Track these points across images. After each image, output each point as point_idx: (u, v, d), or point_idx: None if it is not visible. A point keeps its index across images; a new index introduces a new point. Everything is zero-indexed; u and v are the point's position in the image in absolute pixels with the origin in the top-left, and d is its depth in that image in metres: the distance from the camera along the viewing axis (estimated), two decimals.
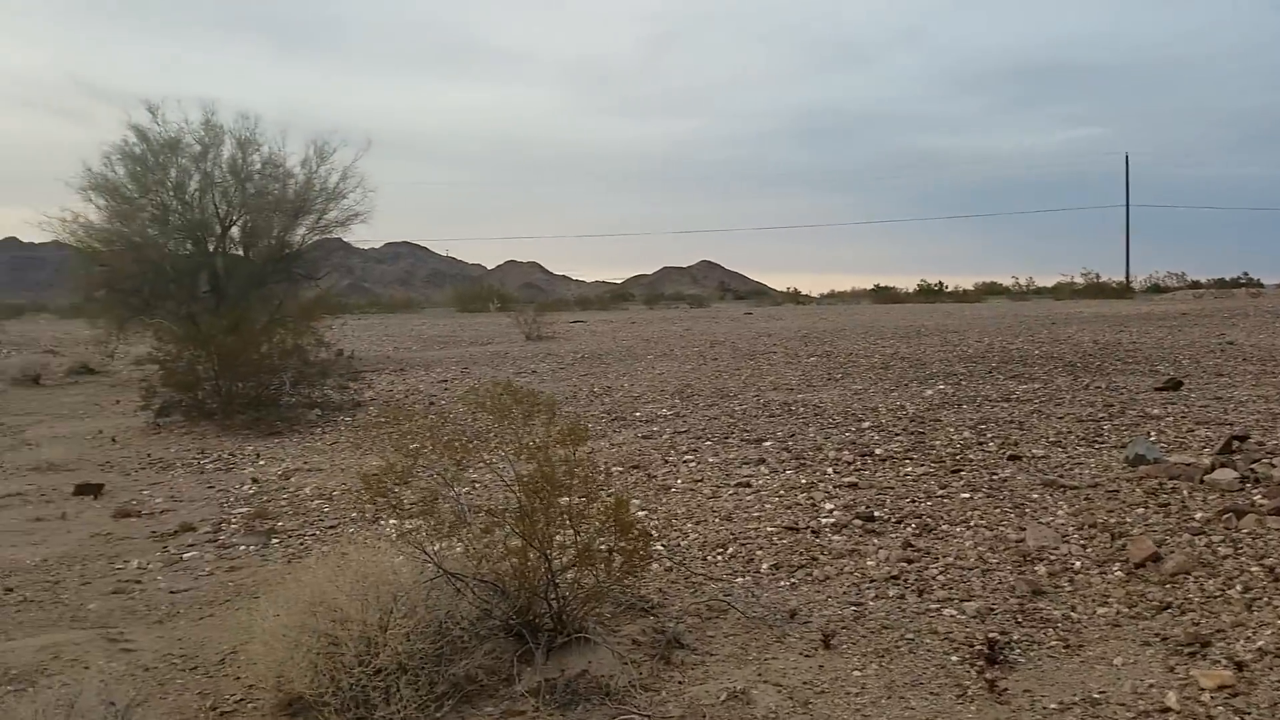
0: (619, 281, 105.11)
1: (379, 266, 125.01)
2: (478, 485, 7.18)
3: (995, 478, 7.01)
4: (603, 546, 4.42)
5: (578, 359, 17.88)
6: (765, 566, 5.52)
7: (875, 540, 5.84)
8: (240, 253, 20.25)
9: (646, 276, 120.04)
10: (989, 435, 8.49)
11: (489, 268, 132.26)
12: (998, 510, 6.23)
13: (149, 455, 10.38)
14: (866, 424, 9.35)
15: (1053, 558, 5.35)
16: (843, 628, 4.59)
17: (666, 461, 8.24)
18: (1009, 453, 7.72)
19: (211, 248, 19.80)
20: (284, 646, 4.01)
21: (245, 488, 8.53)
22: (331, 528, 6.99)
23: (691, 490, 7.22)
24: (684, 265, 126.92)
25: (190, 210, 19.41)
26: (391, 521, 6.80)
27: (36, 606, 5.50)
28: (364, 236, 21.85)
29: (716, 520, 6.41)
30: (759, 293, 76.81)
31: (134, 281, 18.92)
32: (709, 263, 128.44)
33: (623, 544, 4.44)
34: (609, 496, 4.56)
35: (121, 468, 9.77)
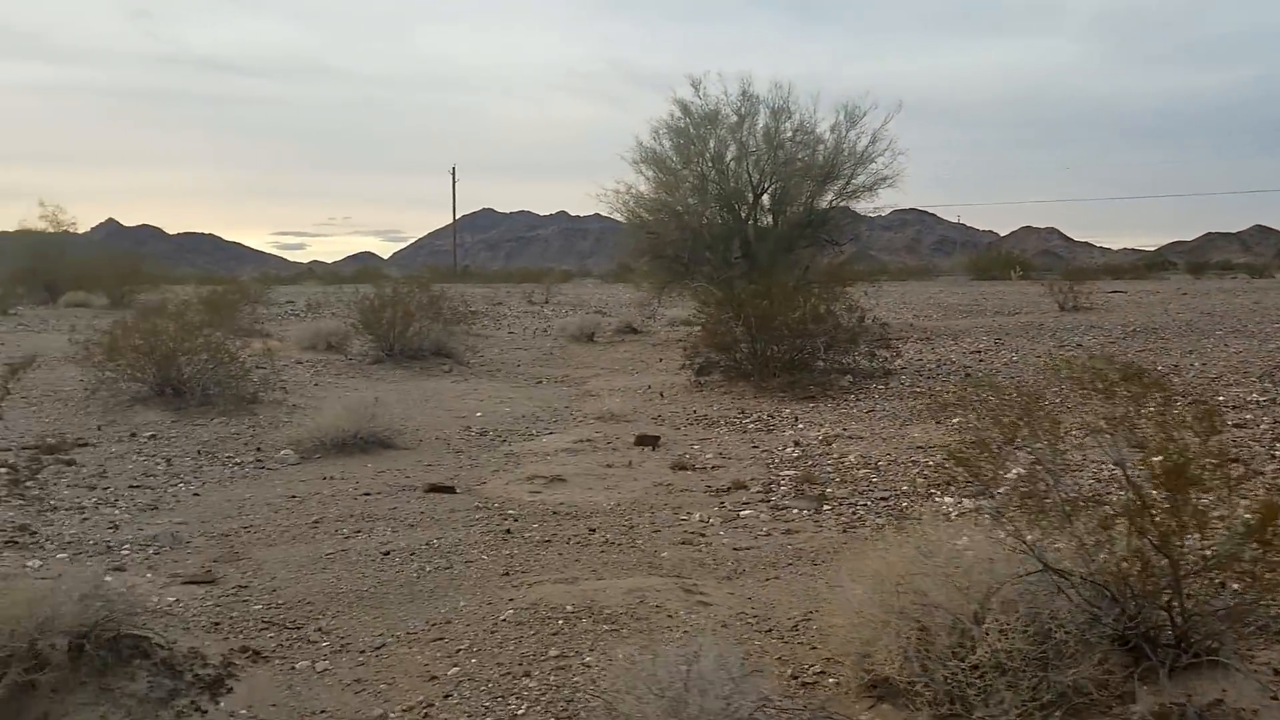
0: (1152, 249, 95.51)
1: (885, 233, 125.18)
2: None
3: None
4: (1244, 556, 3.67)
5: (1128, 332, 16.10)
6: None
7: None
8: (769, 220, 20.86)
9: (1186, 243, 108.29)
10: None
11: (1001, 234, 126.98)
12: None
13: (694, 412, 10.93)
14: None
15: None
16: None
17: (1274, 456, 6.96)
18: None
19: (744, 215, 20.63)
20: (868, 625, 3.80)
21: (788, 450, 8.59)
22: (883, 499, 6.76)
23: None
24: (1232, 230, 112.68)
25: (726, 179, 20.36)
26: (947, 500, 6.44)
27: (617, 549, 5.85)
28: (881, 202, 21.01)
29: None
30: None
31: (675, 248, 20.31)
32: (1263, 228, 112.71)
33: (1272, 556, 3.65)
34: (1253, 498, 3.79)
35: (671, 422, 10.37)
